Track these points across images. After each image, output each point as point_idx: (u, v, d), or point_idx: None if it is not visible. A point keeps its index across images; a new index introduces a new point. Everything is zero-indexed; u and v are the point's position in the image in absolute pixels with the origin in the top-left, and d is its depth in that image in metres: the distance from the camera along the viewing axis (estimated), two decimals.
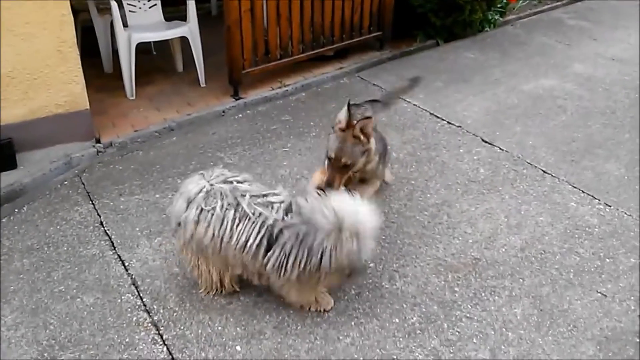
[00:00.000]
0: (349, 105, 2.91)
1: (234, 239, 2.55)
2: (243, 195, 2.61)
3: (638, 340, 2.72)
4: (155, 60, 6.04)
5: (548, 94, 5.30)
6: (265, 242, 2.53)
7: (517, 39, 6.72)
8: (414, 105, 5.03)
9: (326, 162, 3.00)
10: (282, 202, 2.62)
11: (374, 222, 2.47)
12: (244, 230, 2.54)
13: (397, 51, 6.25)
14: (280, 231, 2.51)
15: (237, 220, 2.56)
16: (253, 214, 2.55)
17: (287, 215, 2.55)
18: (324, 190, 2.81)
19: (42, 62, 4.03)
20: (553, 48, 6.42)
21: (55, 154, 4.22)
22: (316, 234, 2.40)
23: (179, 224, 2.64)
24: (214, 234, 2.57)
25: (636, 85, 5.45)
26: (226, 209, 2.57)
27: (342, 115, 2.91)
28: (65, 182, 4.01)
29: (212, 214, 2.57)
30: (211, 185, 2.65)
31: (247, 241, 2.54)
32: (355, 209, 2.43)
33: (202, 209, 2.58)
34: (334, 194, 2.61)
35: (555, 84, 5.50)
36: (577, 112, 4.96)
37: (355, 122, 2.87)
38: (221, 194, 2.61)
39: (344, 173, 2.92)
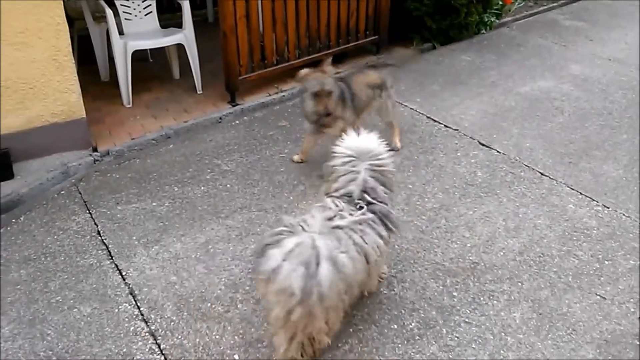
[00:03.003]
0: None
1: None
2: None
3: (638, 342, 2.71)
4: (151, 67, 6.04)
5: (545, 95, 5.29)
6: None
7: (513, 40, 6.71)
8: (411, 109, 5.02)
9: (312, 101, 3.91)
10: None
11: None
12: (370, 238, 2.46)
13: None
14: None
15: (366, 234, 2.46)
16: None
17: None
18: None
19: (37, 71, 4.02)
20: (549, 49, 6.42)
21: (52, 163, 4.21)
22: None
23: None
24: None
25: (633, 85, 5.45)
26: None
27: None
28: (62, 192, 4.01)
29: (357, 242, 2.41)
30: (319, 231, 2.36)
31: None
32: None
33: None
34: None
35: (552, 85, 5.50)
36: (575, 113, 4.95)
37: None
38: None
39: (325, 101, 3.79)
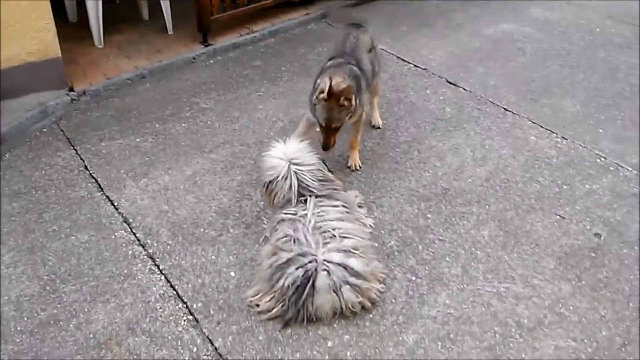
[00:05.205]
0: (330, 79, 3.09)
1: None
2: None
3: (593, 254, 3.02)
4: (119, 9, 5.99)
5: (508, 37, 5.52)
6: None
7: None
8: (381, 49, 5.16)
9: (318, 127, 3.30)
10: None
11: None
12: None
13: None
14: None
15: None
16: None
17: None
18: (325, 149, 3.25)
19: (13, 9, 4.01)
20: None
21: (29, 103, 4.24)
22: None
23: None
24: None
25: (591, 28, 5.71)
26: None
27: (324, 85, 3.09)
28: (44, 130, 4.07)
29: None
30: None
31: None
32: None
33: None
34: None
35: (514, 27, 5.72)
36: (536, 54, 5.20)
37: (336, 91, 3.07)
38: None
39: (336, 133, 3.24)
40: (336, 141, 3.29)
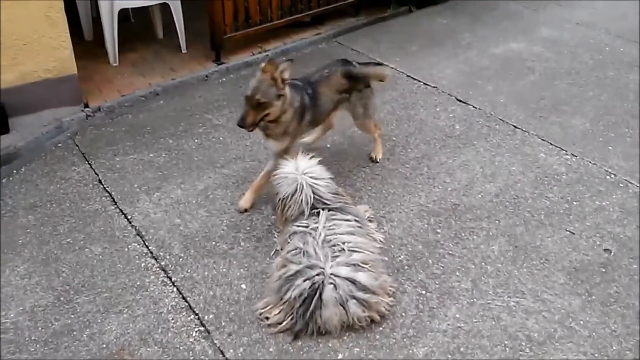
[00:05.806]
0: (270, 60, 3.13)
1: None
2: None
3: (603, 270, 3.03)
4: (134, 27, 6.09)
5: (517, 56, 5.56)
6: None
7: (487, 5, 6.93)
8: (391, 67, 5.23)
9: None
10: None
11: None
12: None
13: (372, 17, 6.42)
14: None
15: None
16: None
17: None
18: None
19: (30, 27, 4.11)
20: (521, 13, 6.67)
21: (45, 119, 4.32)
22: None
23: None
24: None
25: (600, 47, 5.75)
26: None
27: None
28: (59, 145, 4.14)
29: None
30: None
31: None
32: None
33: None
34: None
35: (524, 47, 5.77)
36: (545, 72, 5.24)
37: (273, 67, 3.06)
38: None
39: (258, 112, 3.09)
40: (254, 124, 3.12)
